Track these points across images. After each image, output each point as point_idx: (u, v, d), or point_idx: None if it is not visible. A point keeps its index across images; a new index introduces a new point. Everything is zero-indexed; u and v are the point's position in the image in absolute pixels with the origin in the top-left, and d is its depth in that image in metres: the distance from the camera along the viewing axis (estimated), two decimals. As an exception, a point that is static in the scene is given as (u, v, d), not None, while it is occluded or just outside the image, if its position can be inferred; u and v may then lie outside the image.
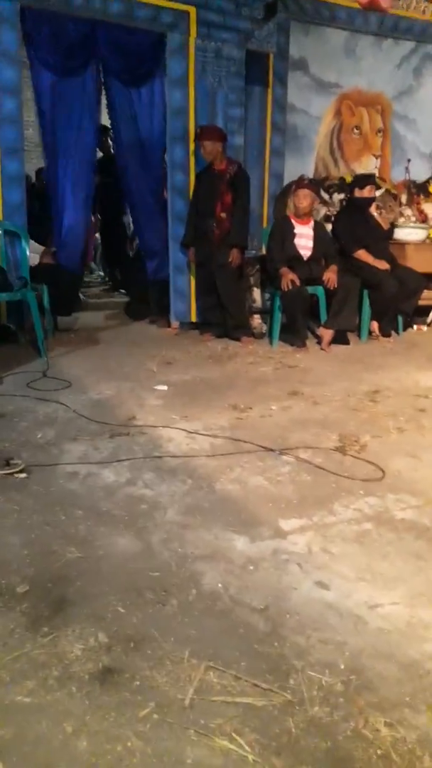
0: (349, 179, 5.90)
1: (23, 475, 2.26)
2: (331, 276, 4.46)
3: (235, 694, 1.28)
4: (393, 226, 5.14)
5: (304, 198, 4.57)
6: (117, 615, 1.52)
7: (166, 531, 1.91)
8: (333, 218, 5.21)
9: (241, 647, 1.42)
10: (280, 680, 1.32)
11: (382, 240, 4.94)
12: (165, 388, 3.46)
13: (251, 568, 1.73)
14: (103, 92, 4.91)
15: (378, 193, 5.24)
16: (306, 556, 1.80)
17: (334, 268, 4.52)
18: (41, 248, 5.12)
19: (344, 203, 5.32)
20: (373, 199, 4.94)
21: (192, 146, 4.80)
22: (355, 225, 4.82)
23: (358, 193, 4.84)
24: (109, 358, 4.09)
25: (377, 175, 5.99)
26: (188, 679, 1.32)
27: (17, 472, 2.26)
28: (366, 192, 4.81)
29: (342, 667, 1.37)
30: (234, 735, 1.18)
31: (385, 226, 5.02)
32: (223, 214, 4.55)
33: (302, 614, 1.54)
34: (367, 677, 1.34)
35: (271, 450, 2.57)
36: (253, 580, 1.68)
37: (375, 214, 5.01)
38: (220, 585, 1.65)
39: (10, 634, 1.44)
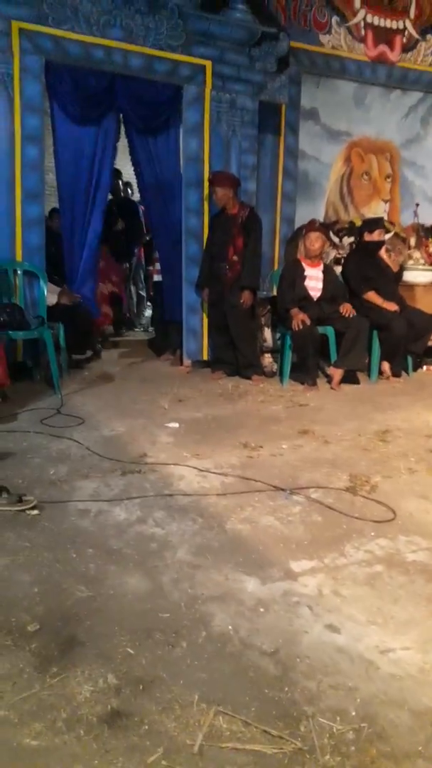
0: (358, 223, 6.02)
1: (35, 512, 2.27)
2: (347, 307, 4.57)
3: (245, 741, 1.26)
4: (402, 268, 5.22)
5: (315, 240, 4.67)
6: (126, 656, 1.51)
7: (176, 571, 1.91)
8: (343, 261, 5.30)
9: (251, 691, 1.41)
10: (291, 727, 1.30)
11: (391, 282, 5.01)
12: (176, 425, 3.48)
13: (262, 610, 1.72)
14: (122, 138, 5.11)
15: (387, 236, 5.34)
16: (317, 598, 1.79)
17: (346, 303, 4.61)
18: (56, 288, 5.23)
19: (354, 246, 5.42)
20: (382, 243, 5.04)
21: (206, 191, 4.94)
22: (364, 267, 4.90)
23: (367, 236, 4.94)
24: (122, 395, 4.14)
25: (387, 218, 6.12)
26: (197, 724, 1.30)
27: (29, 509, 2.27)
28: (375, 236, 4.92)
29: (353, 714, 1.35)
30: (244, 783, 1.16)
31: (395, 268, 5.10)
32: (236, 257, 4.66)
33: (313, 658, 1.52)
34: (379, 725, 1.32)
35: (282, 489, 2.56)
36: (263, 622, 1.67)
37: (384, 256, 5.09)
38: (230, 627, 1.64)
39: (20, 673, 1.44)
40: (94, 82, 4.66)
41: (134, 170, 5.17)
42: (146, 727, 1.29)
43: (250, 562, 1.98)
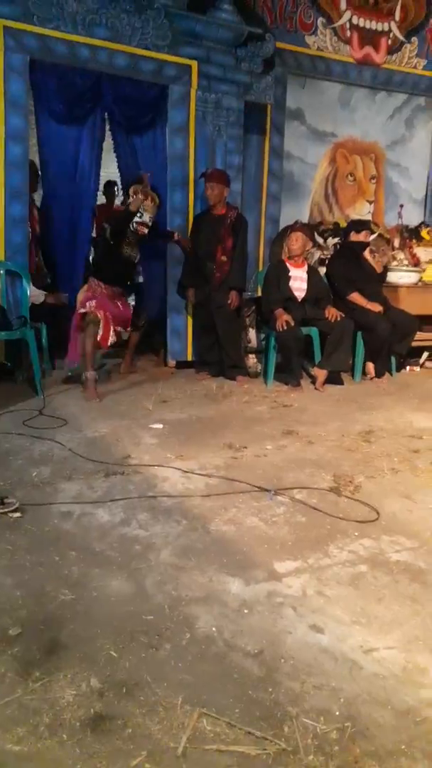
0: (343, 224, 6.05)
1: (17, 514, 2.25)
2: (332, 311, 4.59)
3: (229, 743, 1.26)
4: (386, 269, 5.26)
5: (295, 240, 4.69)
6: (110, 659, 1.51)
7: (160, 573, 1.90)
8: (327, 262, 5.32)
9: (235, 693, 1.41)
10: (275, 728, 1.31)
11: (375, 283, 5.04)
12: (161, 426, 3.47)
13: (246, 611, 1.72)
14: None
15: (371, 237, 5.37)
16: (301, 599, 1.79)
17: (330, 307, 4.63)
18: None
19: (339, 247, 5.44)
20: (366, 244, 5.07)
21: (191, 191, 4.94)
22: (349, 268, 4.93)
23: (354, 237, 4.96)
24: (106, 396, 4.12)
25: (371, 219, 6.16)
26: (181, 726, 1.30)
27: (11, 512, 2.25)
28: (362, 236, 4.94)
29: (337, 713, 1.35)
30: (227, 785, 1.16)
31: (379, 269, 5.13)
32: (224, 258, 4.66)
33: (297, 659, 1.53)
34: (363, 724, 1.32)
35: (267, 490, 2.57)
36: (247, 623, 1.67)
37: (369, 258, 5.12)
38: (214, 629, 1.64)
39: (1, 678, 1.42)
40: (80, 81, 4.63)
41: (119, 169, 5.15)
42: (130, 730, 1.29)
43: (234, 563, 1.98)
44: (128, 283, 4.60)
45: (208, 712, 1.34)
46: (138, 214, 4.29)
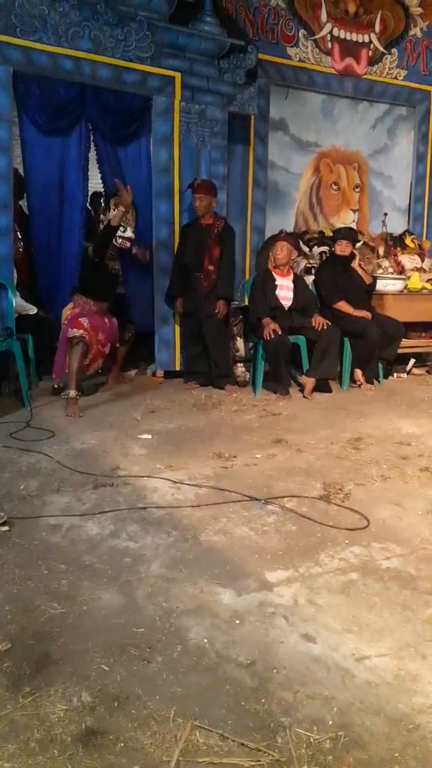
0: (328, 233, 6.10)
1: (5, 528, 2.23)
2: (318, 320, 4.61)
3: (222, 755, 1.25)
4: (376, 279, 5.24)
5: (281, 249, 4.72)
6: (101, 673, 1.49)
7: (150, 585, 1.89)
8: (315, 270, 5.35)
9: (228, 704, 1.40)
10: (268, 738, 1.30)
11: (362, 292, 5.05)
12: (149, 437, 3.46)
13: (237, 622, 1.72)
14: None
15: (355, 245, 5.38)
16: (292, 608, 1.79)
17: (317, 315, 4.66)
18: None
19: (326, 256, 5.46)
20: (351, 254, 5.05)
21: (177, 202, 4.95)
22: (336, 277, 4.95)
23: (335, 248, 5.00)
24: (94, 408, 4.10)
25: (356, 228, 6.20)
26: (174, 739, 1.29)
27: None
28: (337, 248, 4.95)
29: (330, 723, 1.35)
30: (221, 798, 1.15)
31: (368, 280, 5.11)
32: (211, 267, 4.67)
33: (289, 668, 1.52)
34: (356, 733, 1.32)
35: (257, 499, 2.57)
36: (239, 634, 1.66)
37: (357, 269, 5.08)
38: (205, 640, 1.63)
39: (-9, 695, 1.41)
40: (63, 93, 4.64)
41: (102, 181, 5.15)
42: (122, 744, 1.28)
43: (225, 573, 1.97)
44: (113, 296, 4.60)
45: (201, 724, 1.33)
46: (121, 229, 4.32)
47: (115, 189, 4.39)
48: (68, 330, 4.17)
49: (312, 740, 1.30)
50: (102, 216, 6.09)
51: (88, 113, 4.79)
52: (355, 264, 5.05)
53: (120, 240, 4.39)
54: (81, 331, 4.12)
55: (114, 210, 4.32)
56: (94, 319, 4.25)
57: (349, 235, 5.09)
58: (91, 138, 4.95)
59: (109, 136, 4.90)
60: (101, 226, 5.66)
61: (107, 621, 1.71)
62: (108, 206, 4.63)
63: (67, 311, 4.44)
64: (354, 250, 5.11)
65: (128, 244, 4.42)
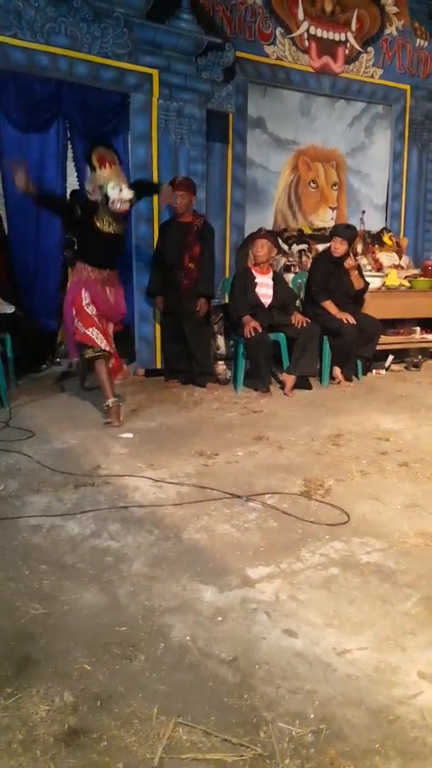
0: (307, 231, 6.12)
1: (-14, 529, 2.21)
2: (298, 317, 4.64)
3: (205, 751, 1.26)
4: (367, 285, 5.16)
5: (261, 247, 4.73)
6: (83, 672, 1.49)
7: (132, 584, 1.89)
8: (312, 261, 5.28)
9: (211, 701, 1.41)
10: (251, 733, 1.31)
11: (349, 297, 5.01)
12: (130, 435, 3.45)
13: (220, 618, 1.72)
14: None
15: (343, 246, 5.29)
16: (274, 604, 1.80)
17: (296, 313, 4.68)
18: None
19: (323, 250, 5.31)
20: (346, 253, 4.95)
21: (155, 199, 4.94)
22: (329, 276, 4.93)
23: (330, 244, 4.95)
24: (74, 407, 4.08)
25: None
26: (157, 736, 1.29)
27: (-20, 526, 2.21)
28: (332, 245, 4.89)
29: (312, 716, 1.37)
30: (204, 794, 1.16)
31: (358, 285, 5.04)
32: (191, 265, 4.67)
33: (271, 664, 1.54)
34: (337, 726, 1.34)
35: (238, 497, 2.58)
36: (221, 631, 1.67)
37: (349, 269, 4.98)
38: (188, 637, 1.63)
39: (-28, 697, 1.40)
40: (40, 90, 4.60)
41: (77, 178, 5.12)
42: (105, 743, 1.28)
43: (207, 571, 1.98)
44: (113, 262, 3.94)
45: (184, 721, 1.34)
46: (112, 189, 3.54)
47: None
48: (78, 332, 3.77)
49: (294, 734, 1.31)
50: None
51: (66, 110, 4.75)
52: (347, 265, 4.97)
53: (119, 204, 3.57)
54: (95, 346, 3.71)
55: (100, 167, 3.62)
56: (97, 297, 3.79)
57: (346, 233, 4.96)
58: (68, 135, 4.91)
59: (86, 133, 4.87)
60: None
61: (89, 620, 1.70)
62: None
63: (69, 282, 4.13)
64: (351, 252, 5.01)
65: (128, 206, 3.66)
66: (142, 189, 4.02)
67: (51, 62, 4.39)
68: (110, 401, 3.68)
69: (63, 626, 1.67)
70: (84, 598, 1.81)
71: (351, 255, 5.06)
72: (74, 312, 3.78)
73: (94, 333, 3.73)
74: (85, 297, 3.76)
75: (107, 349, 3.75)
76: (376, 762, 1.24)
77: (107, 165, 3.61)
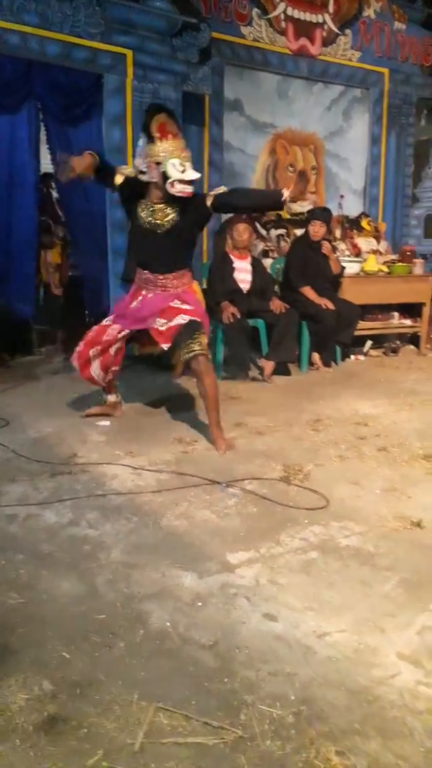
0: (285, 215, 6.09)
1: (-39, 519, 2.18)
2: (277, 303, 4.62)
3: (186, 735, 1.26)
4: (343, 269, 5.20)
5: (243, 232, 4.70)
6: (62, 661, 1.48)
7: (111, 571, 1.88)
8: (289, 246, 5.28)
9: (191, 686, 1.40)
10: (231, 717, 1.31)
11: (328, 281, 5.04)
12: (108, 423, 3.42)
13: (199, 604, 1.72)
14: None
15: (322, 229, 5.32)
16: (254, 588, 1.80)
17: (275, 298, 4.67)
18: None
19: (301, 235, 5.34)
20: (326, 237, 4.99)
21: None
22: (307, 261, 4.94)
23: (310, 228, 4.96)
24: (50, 394, 4.02)
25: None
26: (137, 722, 1.29)
27: None
28: (311, 228, 4.93)
29: (292, 698, 1.37)
30: (185, 778, 1.16)
31: (336, 269, 5.09)
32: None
33: (252, 648, 1.54)
34: (318, 707, 1.34)
35: (218, 483, 2.57)
36: (201, 616, 1.67)
37: (330, 256, 5.02)
38: (168, 623, 1.63)
39: None
40: (10, 69, 4.48)
41: (51, 161, 5.01)
42: (85, 730, 1.27)
43: (187, 557, 1.97)
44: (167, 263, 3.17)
45: (165, 706, 1.33)
46: (173, 167, 2.92)
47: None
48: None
49: (275, 716, 1.31)
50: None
51: (37, 91, 4.65)
52: (324, 249, 5.00)
53: (179, 185, 2.93)
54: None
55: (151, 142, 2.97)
56: (128, 308, 3.24)
57: (323, 215, 5.04)
58: (41, 117, 4.81)
59: (59, 115, 4.78)
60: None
61: (68, 609, 1.69)
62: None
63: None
64: (327, 234, 5.06)
65: (190, 188, 2.97)
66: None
67: (21, 41, 4.27)
68: (108, 397, 3.52)
69: (41, 615, 1.65)
70: (62, 587, 1.79)
71: (327, 241, 5.07)
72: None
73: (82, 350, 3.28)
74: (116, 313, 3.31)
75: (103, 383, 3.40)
76: (356, 741, 1.25)
77: (170, 136, 2.97)
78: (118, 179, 3.13)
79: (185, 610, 1.69)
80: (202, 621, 1.64)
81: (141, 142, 3.05)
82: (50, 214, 5.90)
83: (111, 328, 3.25)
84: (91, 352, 3.25)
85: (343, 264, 5.33)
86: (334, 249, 5.27)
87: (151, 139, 2.97)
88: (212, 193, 3.05)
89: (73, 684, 1.40)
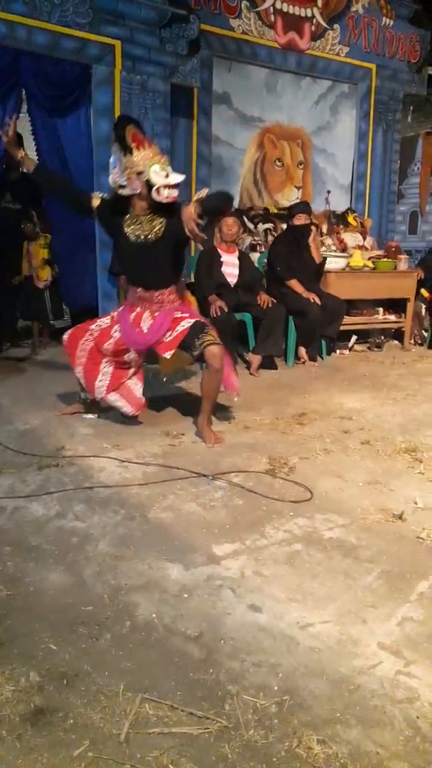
0: (273, 209, 6.10)
1: None
2: (264, 298, 4.65)
3: (171, 725, 1.28)
4: (325, 260, 5.26)
5: (232, 225, 4.71)
6: (49, 652, 1.49)
7: (98, 563, 1.89)
8: (272, 243, 5.32)
9: (177, 676, 1.43)
10: (216, 707, 1.34)
11: (312, 274, 5.09)
12: (95, 416, 3.42)
13: (185, 596, 1.74)
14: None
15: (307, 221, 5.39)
16: (239, 580, 1.83)
17: (262, 293, 4.69)
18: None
19: (284, 230, 5.40)
20: (308, 229, 5.06)
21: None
22: (290, 254, 4.97)
23: (295, 221, 5.01)
24: (37, 387, 4.01)
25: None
26: (123, 713, 1.31)
27: None
28: (302, 220, 4.97)
29: (276, 688, 1.40)
30: (171, 766, 1.18)
31: (318, 259, 5.15)
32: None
33: (236, 639, 1.56)
34: (300, 696, 1.37)
35: (204, 476, 2.59)
36: (187, 608, 1.69)
37: (312, 246, 5.10)
38: (154, 615, 1.65)
39: None
40: (-4, 58, 4.45)
41: (37, 153, 4.98)
42: (71, 721, 1.29)
43: (173, 549, 1.99)
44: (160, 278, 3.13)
45: (150, 697, 1.35)
46: (157, 174, 2.87)
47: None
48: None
49: (258, 706, 1.34)
50: None
51: (24, 81, 4.61)
52: (310, 239, 5.07)
53: (165, 191, 2.88)
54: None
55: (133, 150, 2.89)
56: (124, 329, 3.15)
57: (306, 209, 5.13)
58: (26, 108, 4.78)
59: (46, 105, 4.74)
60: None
61: (55, 601, 1.70)
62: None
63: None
64: (312, 225, 5.14)
65: (176, 192, 2.93)
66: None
67: (8, 30, 4.23)
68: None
69: (28, 607, 1.67)
70: (49, 579, 1.80)
71: (314, 229, 5.14)
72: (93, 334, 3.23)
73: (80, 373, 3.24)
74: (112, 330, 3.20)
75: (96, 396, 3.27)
76: (338, 730, 1.28)
77: (146, 144, 2.93)
78: (95, 201, 3.09)
79: (171, 602, 1.71)
80: (188, 612, 1.66)
81: (113, 158, 2.99)
82: (31, 202, 5.75)
83: (127, 356, 3.19)
84: (102, 368, 3.19)
85: (329, 259, 5.37)
86: (322, 243, 5.31)
87: (125, 151, 2.90)
88: (194, 199, 2.87)
89: (59, 675, 1.42)
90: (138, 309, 3.16)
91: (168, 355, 3.08)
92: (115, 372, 3.22)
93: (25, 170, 3.06)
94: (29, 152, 5.12)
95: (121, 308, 3.33)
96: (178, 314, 3.13)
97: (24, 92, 4.70)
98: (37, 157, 5.08)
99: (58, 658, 1.47)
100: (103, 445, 2.95)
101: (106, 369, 3.22)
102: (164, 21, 4.82)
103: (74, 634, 1.56)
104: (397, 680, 1.42)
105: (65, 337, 3.29)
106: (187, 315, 3.14)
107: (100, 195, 3.11)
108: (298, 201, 5.68)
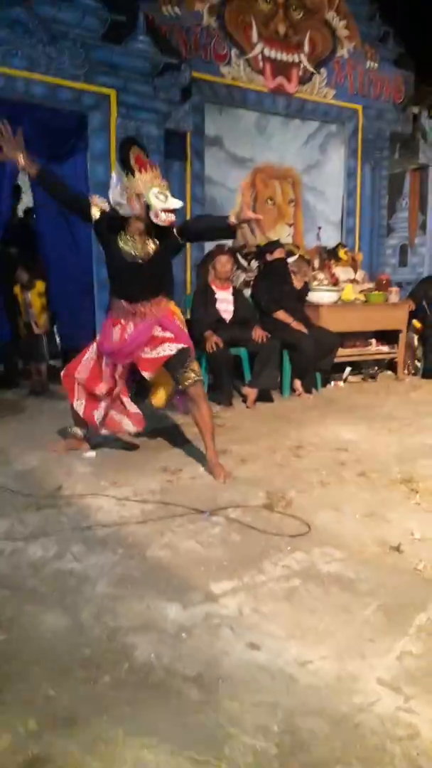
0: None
1: None
2: (259, 333, 4.71)
3: (170, 770, 1.27)
4: (306, 285, 5.44)
5: (226, 263, 4.82)
6: (47, 698, 1.48)
7: (96, 605, 1.89)
8: (252, 284, 5.46)
9: (176, 719, 1.42)
10: (216, 750, 1.33)
11: (296, 301, 5.22)
12: (93, 454, 3.44)
13: (184, 635, 1.74)
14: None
15: (291, 259, 5.55)
16: (237, 618, 1.82)
17: (257, 328, 4.76)
18: None
19: (261, 269, 5.58)
20: (285, 262, 5.22)
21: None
22: (272, 287, 5.09)
23: (269, 257, 5.15)
24: (34, 427, 4.03)
25: (292, 242, 6.39)
26: (123, 760, 1.30)
27: None
28: (276, 254, 5.12)
29: (275, 729, 1.39)
30: None
31: (299, 285, 5.31)
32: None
33: (235, 678, 1.55)
34: (300, 736, 1.36)
35: (202, 512, 2.60)
36: (185, 647, 1.68)
37: (294, 272, 5.30)
38: (152, 656, 1.64)
39: None
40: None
41: (33, 199, 5.12)
42: (70, 769, 1.28)
43: (171, 588, 1.99)
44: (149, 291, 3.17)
45: (149, 742, 1.34)
46: (156, 196, 2.95)
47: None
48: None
49: (258, 747, 1.33)
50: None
51: (23, 131, 4.74)
52: (291, 266, 5.23)
53: (163, 215, 2.96)
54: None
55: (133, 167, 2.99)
56: (108, 339, 3.23)
57: (280, 244, 5.35)
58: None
59: (45, 152, 4.88)
60: None
61: (52, 644, 1.69)
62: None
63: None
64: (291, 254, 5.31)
65: (173, 217, 3.02)
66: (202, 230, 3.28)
67: (7, 83, 4.40)
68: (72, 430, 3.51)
69: (25, 652, 1.66)
70: (46, 622, 1.80)
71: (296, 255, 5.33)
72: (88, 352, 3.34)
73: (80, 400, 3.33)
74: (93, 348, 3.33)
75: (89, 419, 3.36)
76: (338, 770, 1.27)
77: (147, 167, 3.01)
78: (95, 213, 3.12)
79: (169, 642, 1.70)
80: (187, 652, 1.66)
81: (115, 177, 3.05)
82: (28, 247, 5.84)
83: (105, 375, 3.27)
84: (101, 405, 3.31)
85: (321, 293, 5.49)
86: (314, 277, 5.46)
87: (128, 172, 2.98)
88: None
89: (58, 722, 1.40)
90: (122, 321, 3.19)
91: (147, 375, 3.17)
92: (110, 402, 3.35)
93: (29, 174, 3.19)
94: (27, 199, 5.30)
95: (103, 321, 3.37)
96: (159, 331, 3.13)
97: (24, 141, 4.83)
98: (33, 203, 5.22)
99: (57, 704, 1.46)
100: (101, 483, 2.96)
101: (103, 403, 3.32)
102: (157, 70, 5.01)
103: (72, 678, 1.55)
104: (397, 717, 1.42)
105: (62, 373, 3.39)
106: (170, 336, 3.13)
107: (99, 202, 3.15)
108: (270, 240, 5.80)
